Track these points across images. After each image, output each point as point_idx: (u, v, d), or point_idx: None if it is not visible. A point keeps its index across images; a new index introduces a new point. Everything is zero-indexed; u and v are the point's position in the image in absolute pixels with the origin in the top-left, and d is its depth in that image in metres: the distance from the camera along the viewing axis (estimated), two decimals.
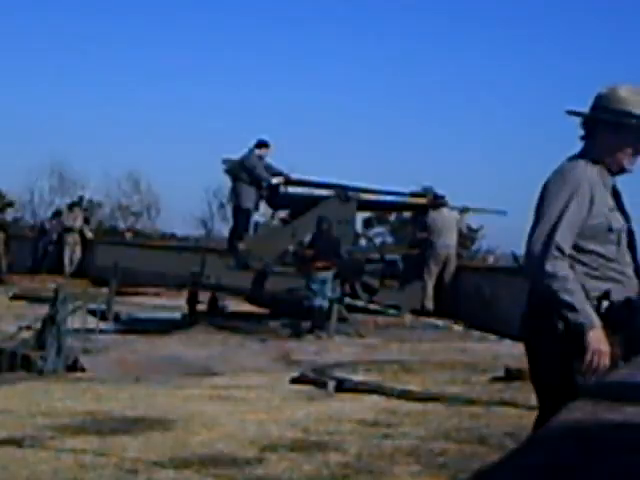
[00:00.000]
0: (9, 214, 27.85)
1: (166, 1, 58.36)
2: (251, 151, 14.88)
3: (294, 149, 52.76)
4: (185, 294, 15.25)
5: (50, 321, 10.32)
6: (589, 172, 3.58)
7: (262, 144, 14.99)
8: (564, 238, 3.49)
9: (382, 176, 42.01)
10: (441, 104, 60.19)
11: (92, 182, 40.05)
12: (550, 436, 1.77)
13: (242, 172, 14.74)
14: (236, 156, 15.15)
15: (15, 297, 17.63)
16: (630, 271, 3.61)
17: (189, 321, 14.03)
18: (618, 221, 3.60)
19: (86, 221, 23.65)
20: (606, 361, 3.40)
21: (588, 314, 3.44)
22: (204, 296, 15.04)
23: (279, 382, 9.38)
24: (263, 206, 15.85)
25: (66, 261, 22.29)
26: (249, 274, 14.62)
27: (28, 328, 10.98)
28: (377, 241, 31.51)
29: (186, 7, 58.67)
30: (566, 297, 3.43)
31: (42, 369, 9.90)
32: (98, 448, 6.33)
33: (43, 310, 11.00)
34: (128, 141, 57.20)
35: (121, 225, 36.73)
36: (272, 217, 18.40)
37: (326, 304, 13.17)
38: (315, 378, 9.33)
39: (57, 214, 24.84)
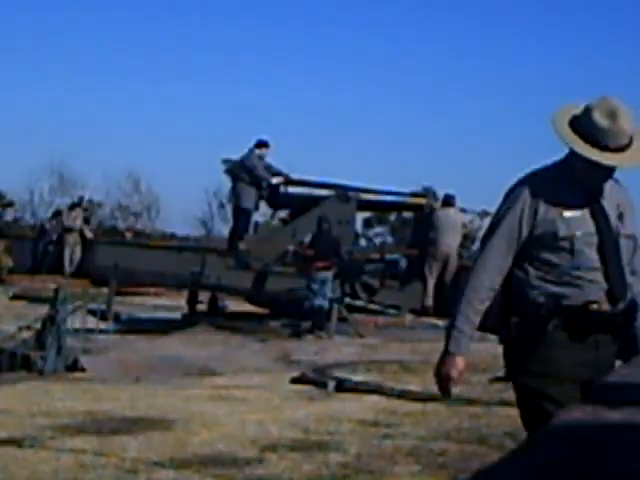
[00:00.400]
0: (9, 214, 27.87)
1: (166, 1, 58.37)
2: (251, 151, 14.88)
3: (294, 149, 52.80)
4: (185, 294, 15.26)
5: (50, 321, 10.32)
6: (541, 182, 3.59)
7: (262, 144, 15.00)
8: (498, 252, 3.57)
9: (382, 176, 42.05)
10: (441, 104, 60.17)
11: (92, 182, 40.04)
12: (550, 436, 1.77)
13: (242, 172, 14.74)
14: (236, 156, 15.16)
15: (15, 297, 17.63)
16: (596, 275, 3.54)
17: (189, 321, 14.03)
18: (572, 227, 3.54)
19: (86, 221, 23.62)
20: (446, 385, 3.65)
21: (453, 341, 3.56)
22: (204, 296, 15.05)
23: (279, 382, 9.38)
24: (263, 206, 15.86)
25: (66, 261, 22.27)
26: (249, 274, 14.62)
27: (28, 328, 10.98)
28: (377, 241, 31.54)
29: (186, 7, 58.68)
30: (455, 313, 3.58)
31: (42, 369, 9.89)
32: (98, 448, 6.33)
33: (43, 310, 10.99)
34: (128, 141, 57.22)
35: (121, 225, 36.70)
36: (272, 217, 18.40)
37: (326, 304, 13.17)
38: (315, 378, 9.34)
39: (57, 214, 24.83)
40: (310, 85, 60.27)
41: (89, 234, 23.27)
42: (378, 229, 35.89)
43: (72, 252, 22.37)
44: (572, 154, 3.56)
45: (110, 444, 6.46)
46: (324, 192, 15.55)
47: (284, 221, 16.58)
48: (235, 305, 15.67)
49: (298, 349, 11.90)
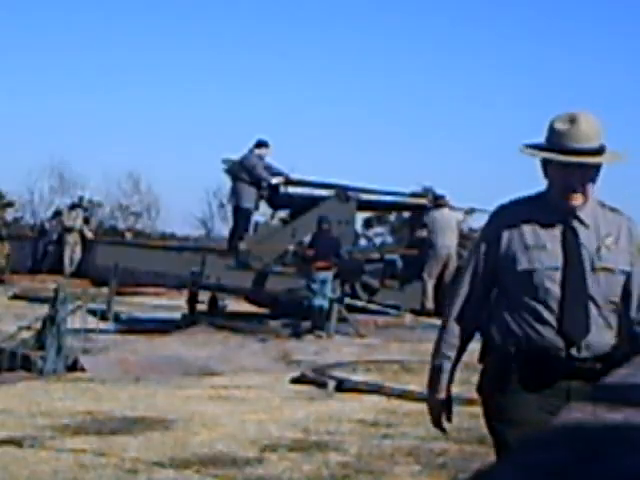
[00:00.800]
0: (9, 214, 27.86)
1: (166, 1, 58.36)
2: (251, 151, 14.88)
3: (294, 149, 52.83)
4: (185, 294, 15.26)
5: (50, 321, 10.32)
6: (510, 212, 3.41)
7: (262, 144, 14.99)
8: (469, 288, 3.45)
9: (382, 176, 42.06)
10: (441, 104, 60.22)
11: (92, 182, 40.11)
12: (550, 436, 1.77)
13: (242, 172, 14.74)
14: (236, 156, 15.15)
15: (15, 297, 17.64)
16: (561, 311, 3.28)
17: (189, 321, 14.03)
18: (533, 260, 3.30)
19: (86, 221, 23.64)
20: (437, 424, 3.61)
21: (434, 383, 3.49)
22: (204, 296, 15.05)
23: (279, 382, 9.38)
24: (263, 206, 15.85)
25: (66, 261, 22.28)
26: (249, 274, 14.62)
27: (28, 328, 10.99)
28: (377, 241, 31.55)
29: (186, 7, 58.67)
30: (435, 352, 3.49)
31: (42, 369, 9.90)
32: (98, 448, 6.33)
33: (43, 310, 11.00)
34: (128, 141, 57.27)
35: (121, 225, 36.71)
36: (272, 217, 18.40)
37: (326, 304, 13.17)
38: (315, 378, 9.33)
39: (57, 214, 24.85)
40: (310, 85, 60.29)
41: (89, 234, 23.28)
42: (378, 229, 35.90)
43: (72, 252, 22.38)
44: (546, 175, 3.38)
45: (110, 444, 6.46)
46: (324, 192, 15.55)
47: (284, 221, 16.58)
48: (235, 305, 15.67)
49: (298, 349, 11.90)
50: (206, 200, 39.53)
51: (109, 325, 13.50)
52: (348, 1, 58.30)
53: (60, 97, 57.22)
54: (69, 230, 22.57)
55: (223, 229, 33.16)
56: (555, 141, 3.31)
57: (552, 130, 3.34)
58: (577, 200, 3.29)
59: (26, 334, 10.81)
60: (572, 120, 3.31)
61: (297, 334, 13.11)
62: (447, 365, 3.46)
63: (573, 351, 3.26)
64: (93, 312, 12.56)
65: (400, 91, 59.75)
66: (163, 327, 13.56)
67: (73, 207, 23.87)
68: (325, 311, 13.16)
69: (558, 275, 3.29)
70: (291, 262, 15.33)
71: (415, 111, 60.33)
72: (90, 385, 9.11)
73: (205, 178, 65.11)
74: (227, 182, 15.98)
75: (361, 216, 22.69)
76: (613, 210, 3.43)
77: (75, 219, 22.92)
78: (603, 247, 3.32)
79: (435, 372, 3.48)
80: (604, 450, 1.61)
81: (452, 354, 3.45)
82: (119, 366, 10.29)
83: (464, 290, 3.45)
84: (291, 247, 15.26)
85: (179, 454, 6.21)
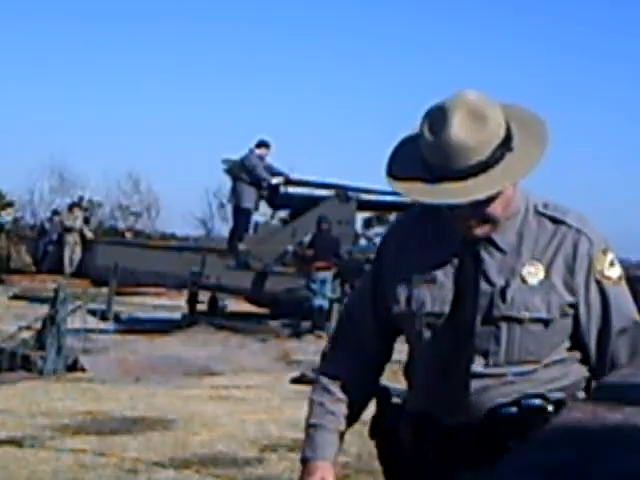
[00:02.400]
0: (9, 214, 27.85)
1: (166, 2, 58.37)
2: (251, 151, 14.90)
3: (294, 149, 52.84)
4: (185, 294, 15.27)
5: (50, 321, 10.32)
6: (398, 234, 2.44)
7: (262, 144, 15.01)
8: (348, 331, 2.65)
9: (382, 176, 41.99)
10: None
11: (92, 182, 40.08)
12: (550, 436, 1.77)
13: (242, 172, 14.75)
14: (236, 156, 15.17)
15: (15, 297, 17.65)
16: (465, 368, 2.29)
17: (189, 321, 14.04)
18: (413, 303, 2.34)
19: (86, 221, 23.67)
20: None
21: (309, 443, 2.52)
22: (204, 296, 15.06)
23: (279, 382, 9.38)
24: (263, 206, 15.87)
25: (66, 261, 22.30)
26: (249, 274, 14.63)
27: (28, 328, 10.99)
28: (377, 241, 31.54)
29: (186, 8, 58.69)
30: (309, 412, 2.62)
31: (42, 369, 9.90)
32: (98, 448, 6.33)
33: (43, 310, 11.00)
34: (128, 141, 57.26)
35: (121, 225, 36.70)
36: (272, 217, 18.41)
37: (326, 304, 13.18)
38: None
39: (55, 213, 24.91)
40: (310, 85, 60.32)
41: (89, 234, 23.30)
42: (378, 229, 35.89)
43: (72, 252, 22.40)
44: None
45: (110, 444, 6.46)
46: (324, 192, 15.57)
47: (284, 221, 16.60)
48: (235, 305, 15.68)
49: (298, 349, 11.91)
50: (206, 200, 39.53)
51: (109, 325, 13.51)
52: (348, 1, 58.34)
53: (60, 97, 57.26)
54: (69, 230, 22.59)
55: (223, 229, 33.16)
56: (424, 154, 2.17)
57: (421, 134, 2.18)
58: (481, 229, 2.23)
59: (26, 334, 10.81)
60: (439, 121, 2.13)
61: (297, 334, 13.12)
62: (335, 424, 2.64)
63: (463, 417, 2.31)
64: (93, 312, 12.58)
65: (400, 91, 59.78)
66: (163, 327, 13.57)
67: (73, 207, 23.90)
68: (325, 311, 13.18)
69: (441, 323, 2.31)
70: (291, 262, 15.33)
71: (415, 111, 60.24)
72: (90, 385, 9.11)
73: (205, 178, 65.12)
74: (227, 182, 16.02)
75: (361, 216, 22.74)
76: (555, 220, 2.28)
77: (75, 219, 22.94)
78: (515, 282, 2.24)
79: (313, 430, 2.57)
80: (604, 450, 1.61)
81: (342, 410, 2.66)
82: (119, 366, 10.29)
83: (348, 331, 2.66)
84: (291, 247, 15.27)
85: (179, 454, 6.21)
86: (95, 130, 55.35)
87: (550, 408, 2.26)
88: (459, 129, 2.11)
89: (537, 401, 2.27)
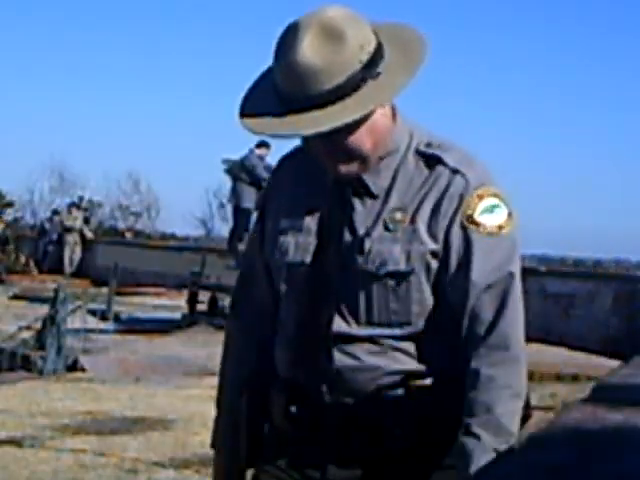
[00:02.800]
0: (9, 214, 27.88)
1: (165, 2, 58.40)
2: (251, 151, 14.90)
3: None
4: (185, 294, 15.27)
5: (50, 321, 10.32)
6: (287, 168, 2.11)
7: (262, 144, 15.00)
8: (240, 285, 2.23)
9: None
10: (441, 103, 60.20)
11: (92, 182, 40.13)
12: (550, 436, 1.77)
13: (242, 172, 14.76)
14: (236, 156, 15.19)
15: (15, 297, 17.66)
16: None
17: (189, 321, 14.04)
18: (282, 251, 2.01)
19: (86, 221, 23.70)
20: None
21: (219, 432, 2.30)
22: (204, 296, 15.06)
23: None
24: None
25: (66, 261, 22.33)
26: None
27: (28, 328, 10.99)
28: None
29: (186, 8, 58.72)
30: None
31: (42, 369, 9.90)
32: (98, 448, 6.33)
33: (43, 310, 11.00)
34: (128, 141, 57.29)
35: (121, 225, 36.71)
36: None
37: None
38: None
39: (55, 213, 24.92)
40: None
41: (89, 234, 23.32)
42: None
43: (72, 252, 22.42)
44: None
45: (110, 444, 6.46)
46: None
47: None
48: None
49: None
50: (206, 200, 39.56)
51: (109, 325, 13.51)
52: (348, 1, 58.27)
53: (60, 97, 57.30)
54: (69, 230, 22.62)
55: (223, 229, 33.17)
56: (275, 82, 1.88)
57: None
58: (347, 167, 1.91)
59: (26, 334, 10.81)
60: (289, 41, 1.84)
61: None
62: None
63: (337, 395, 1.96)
64: (93, 312, 12.57)
65: None
66: (163, 327, 13.56)
67: (73, 207, 23.91)
68: None
69: (301, 275, 1.99)
70: None
71: (415, 111, 60.25)
72: (90, 385, 9.11)
73: (205, 178, 65.21)
74: (227, 182, 16.02)
75: None
76: (433, 159, 1.96)
77: (75, 219, 22.96)
78: (377, 231, 1.93)
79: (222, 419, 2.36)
80: (604, 450, 1.61)
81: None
82: (119, 366, 10.29)
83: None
84: None
85: (179, 454, 6.21)
86: (95, 130, 55.48)
87: (434, 386, 1.93)
88: (308, 49, 1.80)
89: (427, 381, 1.94)
